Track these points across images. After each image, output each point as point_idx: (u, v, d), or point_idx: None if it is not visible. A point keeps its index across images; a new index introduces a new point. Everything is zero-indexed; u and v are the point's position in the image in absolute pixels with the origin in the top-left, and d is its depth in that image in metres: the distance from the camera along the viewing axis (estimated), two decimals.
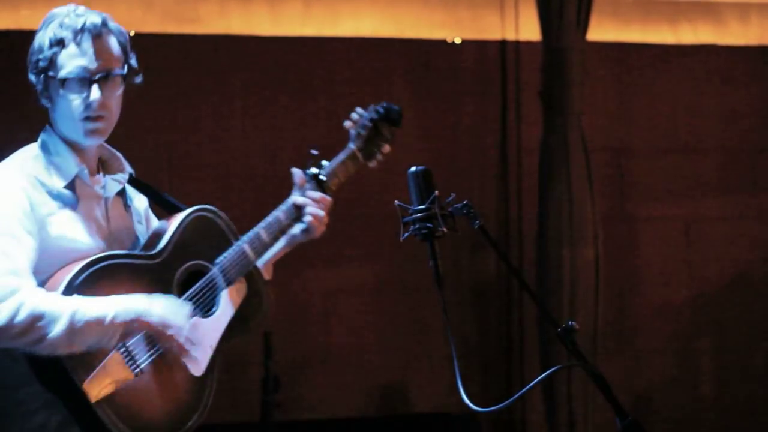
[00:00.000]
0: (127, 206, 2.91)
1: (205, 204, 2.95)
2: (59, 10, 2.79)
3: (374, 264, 6.07)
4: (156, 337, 2.69)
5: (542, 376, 2.60)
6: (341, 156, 3.22)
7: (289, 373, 5.67)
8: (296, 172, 3.13)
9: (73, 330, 2.55)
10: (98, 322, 2.59)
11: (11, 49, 5.63)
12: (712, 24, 6.52)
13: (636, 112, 6.41)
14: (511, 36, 6.24)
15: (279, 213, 3.01)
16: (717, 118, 6.48)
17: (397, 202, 2.72)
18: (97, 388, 2.59)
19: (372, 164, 3.36)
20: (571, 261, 5.67)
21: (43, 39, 2.77)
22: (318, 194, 3.08)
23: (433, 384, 6.08)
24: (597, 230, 5.75)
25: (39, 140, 2.87)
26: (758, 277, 6.47)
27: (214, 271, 2.85)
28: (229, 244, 2.89)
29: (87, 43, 2.76)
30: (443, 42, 6.24)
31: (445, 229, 2.66)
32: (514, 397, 2.62)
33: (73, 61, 2.75)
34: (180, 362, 2.75)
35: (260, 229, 2.95)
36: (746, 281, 6.47)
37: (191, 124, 5.88)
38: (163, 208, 2.97)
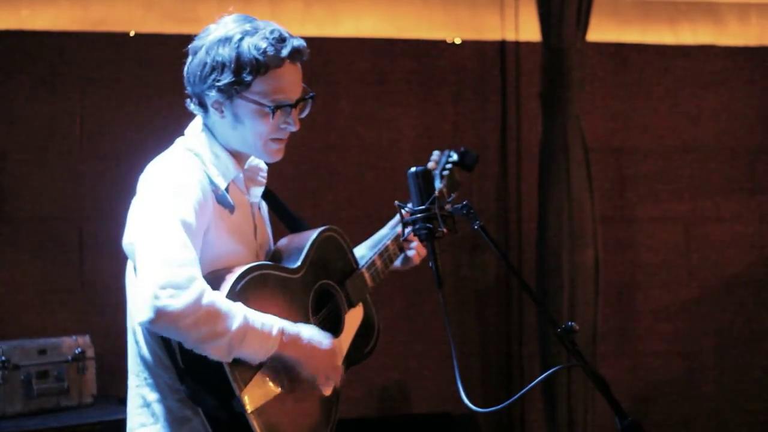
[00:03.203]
0: (261, 213, 2.93)
1: None
2: (248, 27, 2.70)
3: None
4: (303, 359, 2.67)
5: (542, 376, 2.60)
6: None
7: None
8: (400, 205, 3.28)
9: (245, 332, 2.52)
10: (264, 332, 2.57)
11: (12, 49, 5.63)
12: (711, 24, 6.52)
13: (636, 112, 6.41)
14: (511, 36, 6.24)
15: (388, 242, 3.13)
16: (717, 118, 6.48)
17: (397, 202, 2.72)
18: (252, 397, 2.59)
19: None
20: (571, 262, 5.67)
21: (238, 58, 2.66)
22: None
23: (433, 384, 6.08)
24: (597, 231, 5.75)
25: (195, 138, 2.79)
26: (758, 278, 6.47)
27: (341, 293, 2.93)
28: (350, 263, 2.99)
29: (290, 72, 2.71)
30: (443, 42, 6.24)
31: (445, 230, 2.66)
32: (514, 397, 2.62)
33: (277, 90, 2.70)
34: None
35: (375, 256, 3.07)
36: (746, 282, 6.47)
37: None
38: (282, 219, 3.01)
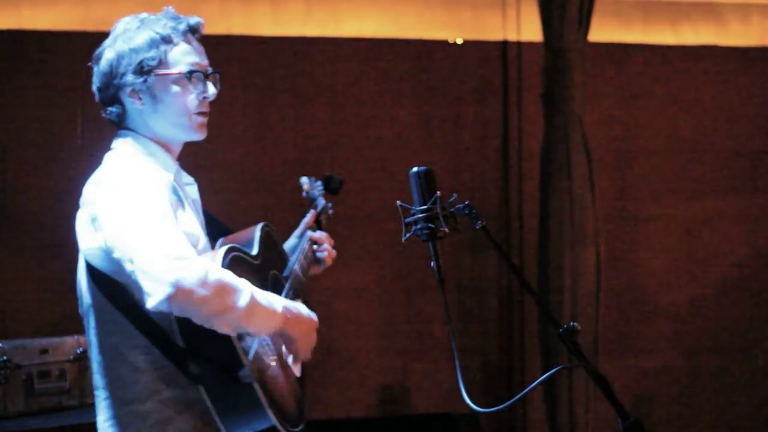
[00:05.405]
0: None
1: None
2: (144, 16, 2.78)
3: (375, 264, 6.07)
4: (301, 335, 2.75)
5: (544, 376, 2.59)
6: (319, 208, 3.53)
7: None
8: (310, 214, 3.40)
9: (253, 308, 2.55)
10: (270, 309, 2.62)
11: (13, 48, 5.63)
12: (713, 25, 6.53)
13: (637, 112, 6.41)
14: (512, 37, 6.24)
15: (305, 244, 3.24)
16: (718, 118, 6.49)
17: (398, 202, 2.71)
18: (254, 368, 2.62)
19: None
20: (573, 262, 5.67)
21: (141, 40, 2.72)
22: (325, 234, 3.33)
23: (434, 384, 6.08)
24: (598, 231, 5.75)
25: (126, 144, 2.78)
26: (758, 278, 6.47)
27: (288, 283, 3.00)
28: (285, 258, 3.11)
29: (194, 41, 2.81)
30: (445, 42, 6.24)
31: (447, 230, 2.65)
32: (516, 397, 2.62)
33: (186, 57, 2.77)
34: (286, 363, 2.84)
35: (300, 254, 3.16)
36: (746, 281, 6.47)
37: None
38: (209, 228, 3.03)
